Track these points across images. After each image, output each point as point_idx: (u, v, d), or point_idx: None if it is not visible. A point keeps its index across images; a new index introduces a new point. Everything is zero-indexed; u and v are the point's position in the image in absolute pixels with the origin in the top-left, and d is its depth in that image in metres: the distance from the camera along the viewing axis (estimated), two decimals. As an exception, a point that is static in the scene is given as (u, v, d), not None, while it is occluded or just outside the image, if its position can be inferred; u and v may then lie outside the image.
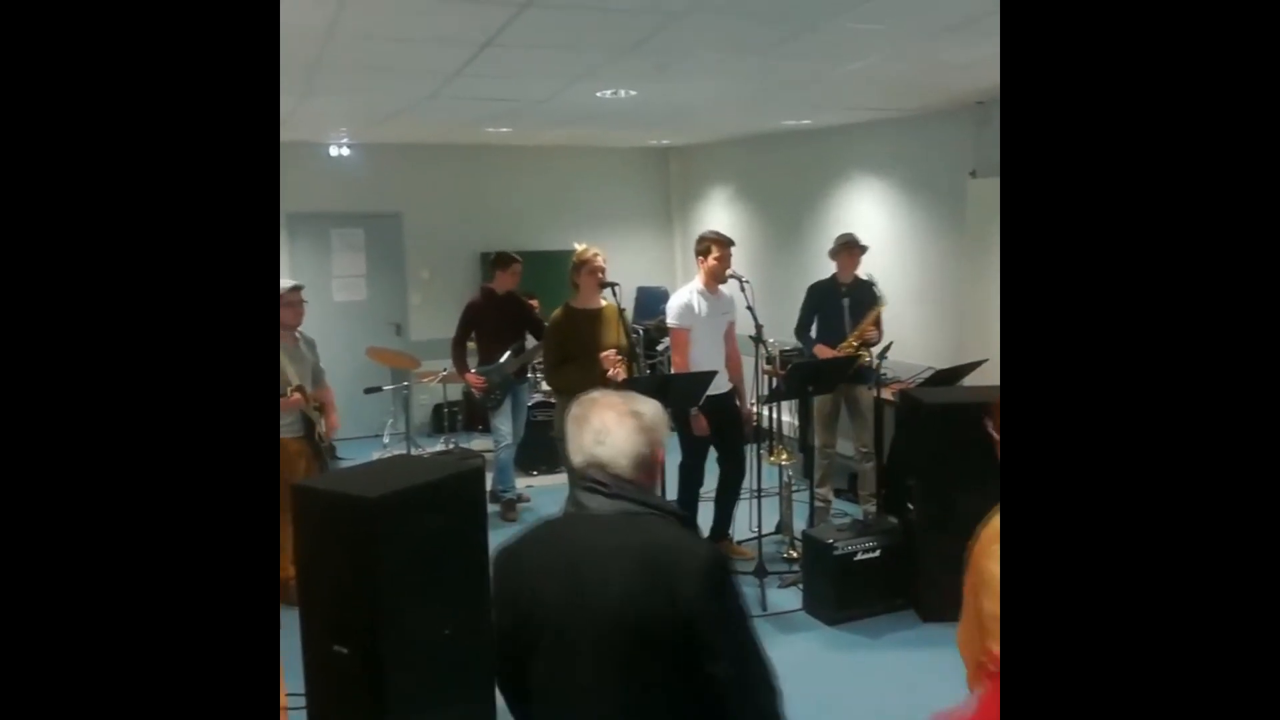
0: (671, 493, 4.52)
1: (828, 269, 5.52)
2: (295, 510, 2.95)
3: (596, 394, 1.74)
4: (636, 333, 8.33)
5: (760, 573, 4.53)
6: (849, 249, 5.31)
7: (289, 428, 4.17)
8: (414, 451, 6.42)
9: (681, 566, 1.54)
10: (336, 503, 2.90)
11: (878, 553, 4.28)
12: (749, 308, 4.56)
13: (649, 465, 1.67)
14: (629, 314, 8.55)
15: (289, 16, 3.10)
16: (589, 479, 1.65)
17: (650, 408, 1.71)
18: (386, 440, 7.47)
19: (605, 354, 4.32)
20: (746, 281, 4.60)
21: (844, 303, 5.25)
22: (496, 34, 3.46)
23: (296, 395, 4.11)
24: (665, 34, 3.54)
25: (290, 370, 4.15)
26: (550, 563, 1.63)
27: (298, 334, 4.42)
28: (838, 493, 5.84)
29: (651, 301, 8.75)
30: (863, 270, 5.33)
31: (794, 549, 4.87)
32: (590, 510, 1.63)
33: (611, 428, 1.65)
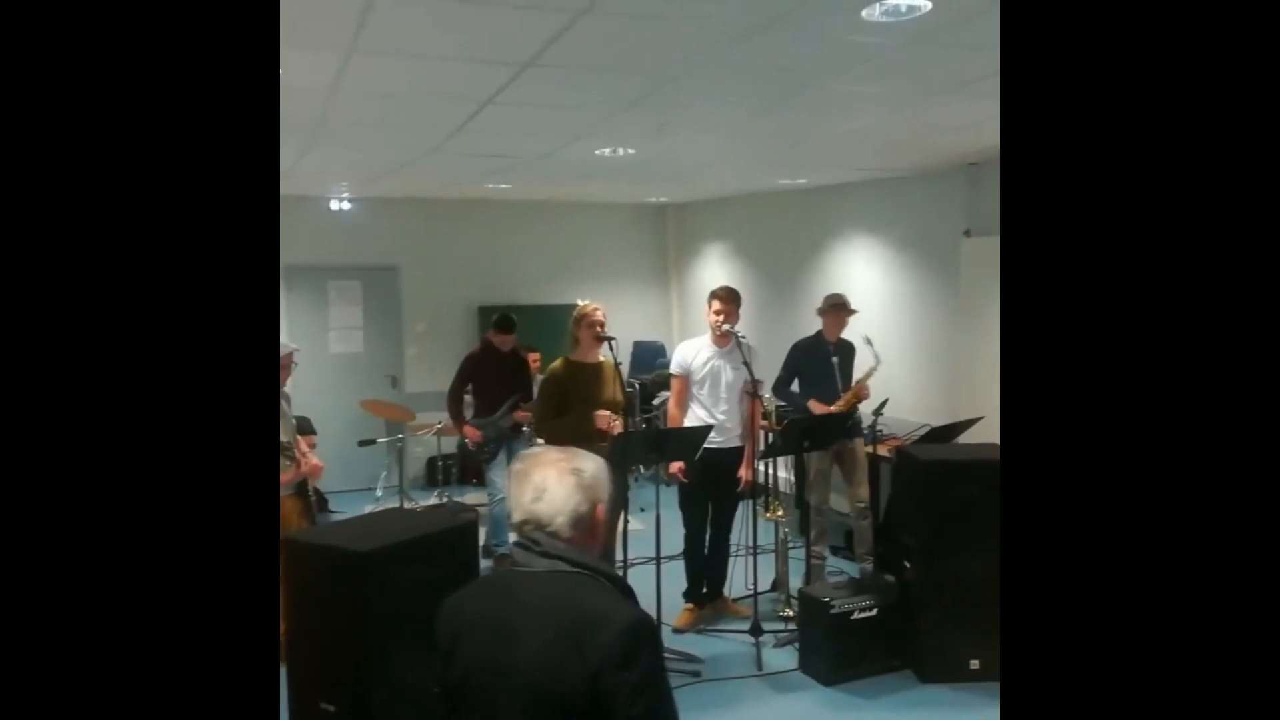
0: (668, 548, 4.46)
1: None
2: (284, 564, 2.92)
3: (539, 449, 1.73)
4: (632, 387, 8.34)
5: (755, 631, 4.47)
6: (837, 310, 5.31)
7: (283, 487, 4.14)
8: (407, 504, 6.38)
9: (596, 632, 1.50)
10: (327, 556, 2.87)
11: (875, 611, 4.22)
12: (745, 363, 4.56)
13: (588, 524, 1.64)
14: (625, 368, 8.63)
15: (294, 74, 3.17)
16: (525, 536, 1.63)
17: (591, 465, 1.68)
18: (380, 493, 7.42)
19: (599, 413, 4.32)
20: (743, 337, 4.62)
21: (833, 360, 5.24)
22: (497, 93, 3.52)
23: (317, 462, 4.14)
24: (663, 94, 3.61)
25: (281, 427, 4.14)
26: (479, 617, 1.62)
27: (284, 391, 4.42)
28: (834, 550, 5.79)
29: (648, 356, 8.78)
30: (858, 329, 5.35)
31: (790, 607, 4.81)
32: (522, 567, 1.62)
33: (550, 485, 1.63)
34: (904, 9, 2.66)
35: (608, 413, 4.34)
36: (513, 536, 1.72)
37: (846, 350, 5.30)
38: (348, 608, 2.80)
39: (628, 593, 1.66)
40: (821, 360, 5.27)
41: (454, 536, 3.12)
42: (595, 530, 1.66)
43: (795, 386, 5.39)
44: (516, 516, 1.65)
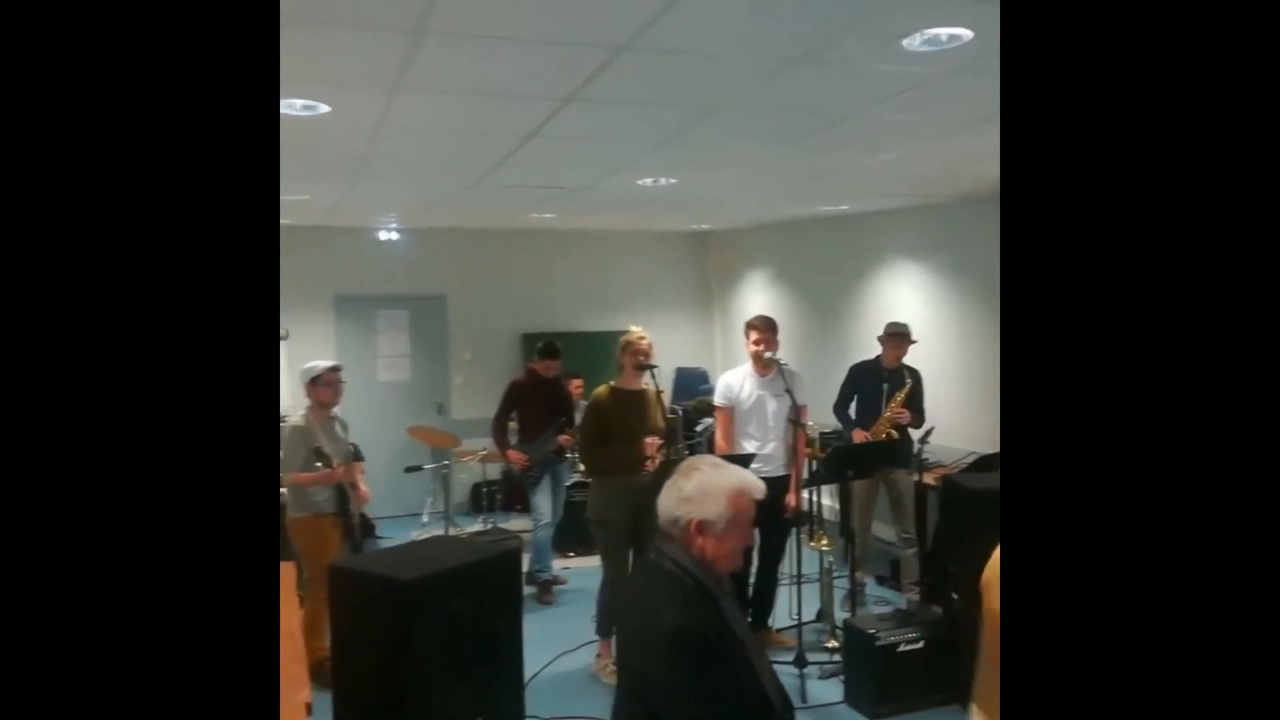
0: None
1: (867, 351, 5.52)
2: (331, 591, 2.96)
3: (696, 457, 1.99)
4: (675, 414, 8.32)
5: (800, 662, 4.42)
6: (897, 339, 5.33)
7: (325, 503, 4.22)
8: (452, 531, 6.43)
9: (650, 630, 1.74)
10: (372, 584, 2.91)
11: (921, 644, 4.15)
12: (787, 391, 4.55)
13: (684, 531, 1.85)
14: (667, 395, 8.60)
15: (344, 108, 3.26)
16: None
17: (694, 482, 1.86)
18: (425, 519, 7.49)
19: (648, 440, 4.34)
20: (784, 365, 4.60)
21: (884, 387, 5.26)
22: (539, 127, 3.58)
23: (343, 468, 4.19)
24: (703, 126, 3.64)
25: (328, 449, 4.22)
26: (626, 596, 2.05)
27: (334, 414, 4.51)
28: (880, 580, 5.72)
29: (690, 382, 8.77)
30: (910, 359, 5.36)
31: (835, 638, 4.75)
32: (651, 557, 1.91)
33: (668, 488, 1.88)
34: (945, 38, 2.66)
35: (655, 439, 4.35)
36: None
37: (899, 377, 5.27)
38: (392, 635, 2.83)
39: (705, 597, 1.82)
40: (873, 385, 5.30)
41: (497, 565, 3.14)
42: (692, 540, 1.84)
43: (854, 409, 5.44)
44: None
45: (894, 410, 5.17)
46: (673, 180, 5.09)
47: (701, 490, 1.84)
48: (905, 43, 2.67)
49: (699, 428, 7.86)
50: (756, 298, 8.55)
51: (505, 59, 2.73)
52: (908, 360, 5.36)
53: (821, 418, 5.82)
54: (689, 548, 1.85)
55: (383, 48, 2.58)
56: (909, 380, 5.20)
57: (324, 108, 3.18)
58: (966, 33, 2.60)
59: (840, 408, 5.45)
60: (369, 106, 3.22)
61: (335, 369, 4.45)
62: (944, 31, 2.60)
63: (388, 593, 2.85)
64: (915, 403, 5.29)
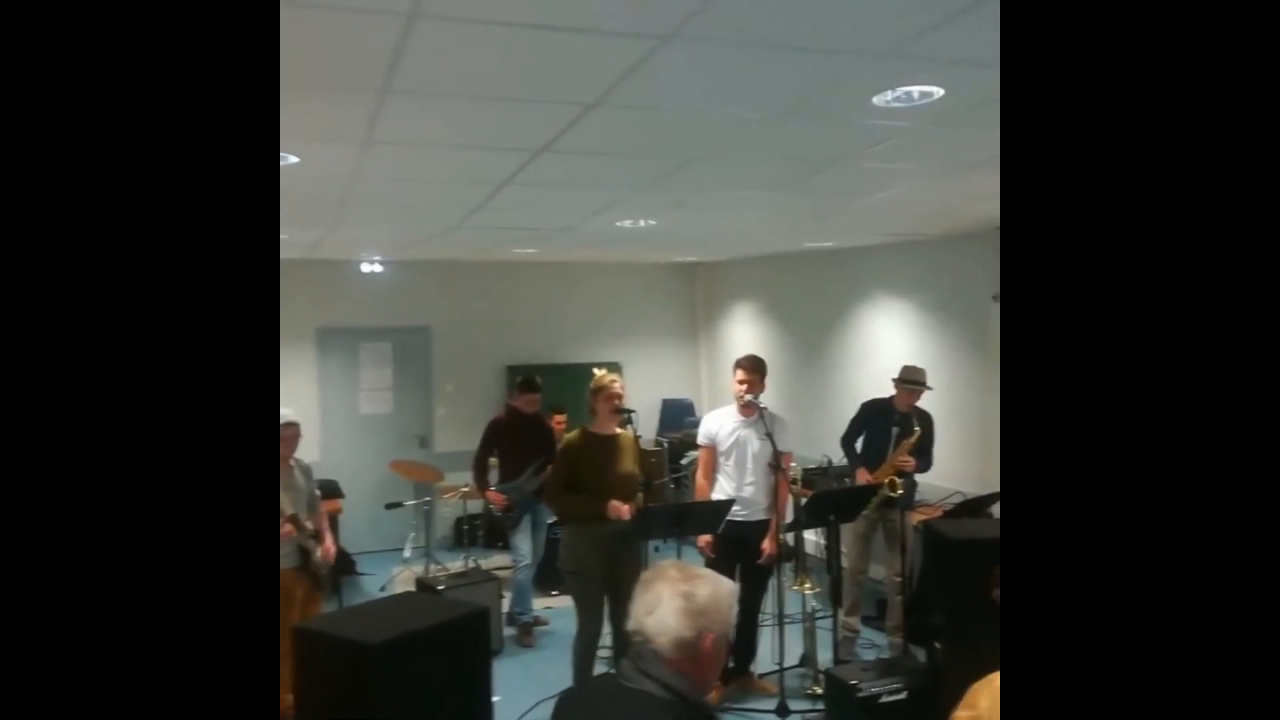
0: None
1: (850, 388, 5.47)
2: (294, 652, 2.89)
3: (669, 563, 1.72)
4: (661, 445, 8.28)
5: (782, 711, 4.36)
6: (909, 386, 5.23)
7: (285, 558, 4.12)
8: (433, 568, 6.35)
9: None
10: (336, 646, 2.83)
11: (904, 694, 4.08)
12: (768, 434, 4.49)
13: (692, 651, 1.59)
14: (653, 426, 8.56)
15: (314, 160, 3.22)
16: (633, 647, 1.64)
17: (708, 590, 1.62)
18: (408, 554, 7.40)
19: (612, 505, 4.19)
20: (764, 408, 4.56)
21: (893, 430, 5.18)
22: (512, 175, 3.55)
23: (289, 527, 4.08)
24: (680, 176, 3.62)
25: (284, 499, 4.13)
26: (572, 715, 1.73)
27: (293, 461, 4.41)
28: (866, 620, 5.65)
29: (676, 414, 8.73)
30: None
31: (818, 684, 4.68)
32: (619, 676, 1.65)
33: (663, 602, 1.60)
34: (916, 95, 2.64)
35: (619, 504, 4.20)
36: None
37: (909, 422, 5.14)
38: (356, 701, 2.76)
39: None
40: (882, 426, 5.24)
41: (467, 626, 3.06)
42: (701, 659, 1.60)
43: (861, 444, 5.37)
44: (630, 624, 1.66)
45: (900, 460, 5.06)
46: (652, 222, 5.06)
47: (716, 600, 1.61)
48: (876, 99, 2.65)
49: (684, 460, 7.81)
50: (743, 330, 8.52)
51: (473, 115, 2.70)
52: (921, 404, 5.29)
53: (804, 449, 5.77)
54: (696, 667, 1.59)
55: (348, 106, 2.55)
56: (918, 428, 5.09)
57: (292, 159, 3.14)
58: (937, 90, 2.59)
59: (847, 442, 5.39)
60: (339, 158, 3.19)
61: (289, 425, 4.35)
62: (915, 89, 2.58)
63: (352, 656, 2.78)
64: (924, 448, 5.18)
